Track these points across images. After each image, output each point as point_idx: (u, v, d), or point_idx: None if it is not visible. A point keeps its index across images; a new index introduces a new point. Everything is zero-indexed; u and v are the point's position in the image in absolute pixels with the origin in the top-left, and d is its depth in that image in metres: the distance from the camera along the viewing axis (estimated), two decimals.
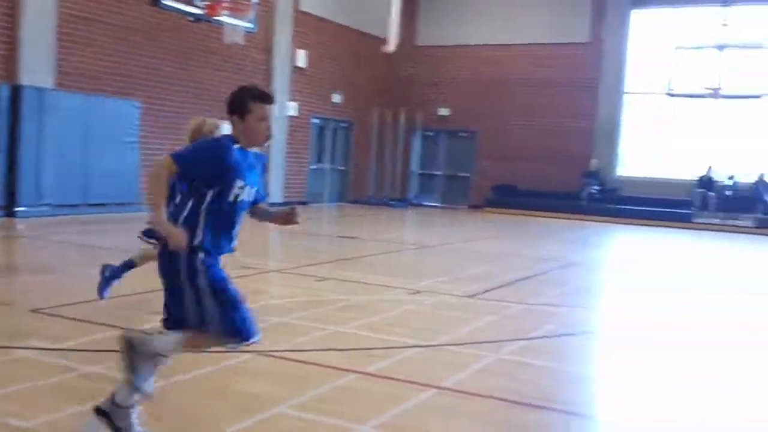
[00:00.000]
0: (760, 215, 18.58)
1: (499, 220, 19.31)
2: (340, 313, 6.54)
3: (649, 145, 21.93)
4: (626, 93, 21.72)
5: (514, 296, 8.07)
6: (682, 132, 21.38)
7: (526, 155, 21.69)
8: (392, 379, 4.84)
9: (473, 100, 22.69)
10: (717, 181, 19.69)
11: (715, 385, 5.22)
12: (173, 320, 3.46)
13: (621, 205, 20.24)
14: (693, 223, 18.90)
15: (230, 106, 3.50)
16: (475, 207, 22.30)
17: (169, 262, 3.38)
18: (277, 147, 19.62)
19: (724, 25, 19.51)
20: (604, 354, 6.32)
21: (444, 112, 23.46)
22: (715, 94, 19.14)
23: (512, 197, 21.64)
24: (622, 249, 15.99)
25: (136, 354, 3.32)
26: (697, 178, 19.86)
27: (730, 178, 19.85)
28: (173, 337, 3.44)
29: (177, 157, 3.33)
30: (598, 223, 19.00)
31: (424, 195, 23.76)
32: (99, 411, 3.38)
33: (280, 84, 19.66)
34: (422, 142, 24.17)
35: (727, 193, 19.35)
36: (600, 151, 21.43)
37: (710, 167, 19.91)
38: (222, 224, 3.42)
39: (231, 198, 3.40)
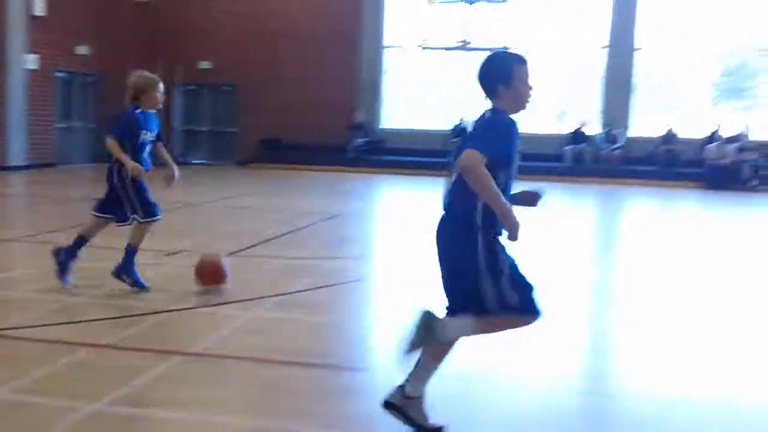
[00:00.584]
0: None
1: (265, 175, 19.04)
2: (80, 282, 5.92)
3: (410, 98, 22.75)
4: (386, 47, 22.26)
5: (274, 252, 7.90)
6: (440, 84, 22.44)
7: (292, 109, 21.51)
8: (135, 349, 4.44)
9: (236, 53, 21.95)
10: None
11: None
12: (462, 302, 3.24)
13: (386, 157, 20.89)
14: (450, 171, 19.98)
15: (491, 77, 3.26)
16: (242, 163, 21.80)
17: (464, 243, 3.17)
18: (14, 104, 17.57)
19: None
20: (365, 303, 6.38)
21: (205, 65, 22.46)
22: (464, 46, 20.26)
23: (279, 152, 21.44)
24: (388, 199, 16.52)
25: (434, 340, 3.18)
26: (452, 130, 20.96)
27: None
28: (466, 321, 3.23)
29: None
30: (365, 175, 19.46)
31: (189, 152, 22.72)
32: (389, 405, 3.30)
33: (15, 34, 17.53)
34: (184, 98, 23.01)
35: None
36: (364, 104, 21.86)
37: (462, 119, 21.23)
38: None
39: None
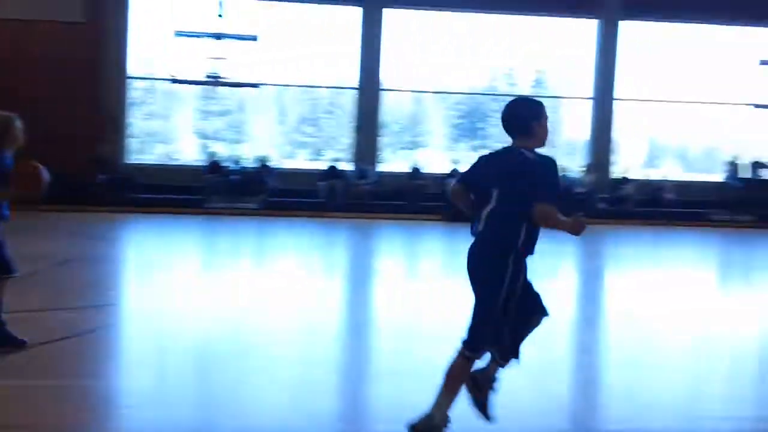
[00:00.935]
0: (266, 198, 19.86)
1: None
2: None
3: (160, 131, 21.70)
4: (131, 78, 21.07)
5: None
6: (192, 118, 21.70)
7: (27, 142, 19.35)
8: None
9: None
10: (225, 166, 20.45)
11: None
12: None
13: (133, 194, 19.58)
14: (204, 208, 19.27)
15: (526, 117, 3.81)
16: None
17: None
18: None
19: (220, 16, 20.23)
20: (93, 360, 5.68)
21: None
22: (215, 81, 19.81)
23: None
24: (129, 241, 15.39)
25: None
26: (206, 165, 20.33)
27: (236, 162, 20.83)
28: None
29: None
30: (107, 214, 18.06)
31: None
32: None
33: None
34: None
35: (233, 177, 20.27)
36: (108, 137, 20.38)
37: (214, 153, 20.70)
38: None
39: None
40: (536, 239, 3.79)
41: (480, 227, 3.80)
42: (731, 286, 11.96)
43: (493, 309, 3.73)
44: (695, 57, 22.41)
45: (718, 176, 22.56)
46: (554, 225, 3.63)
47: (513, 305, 3.77)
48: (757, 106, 20.67)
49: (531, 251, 3.81)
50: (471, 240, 3.89)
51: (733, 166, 22.13)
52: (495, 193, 3.71)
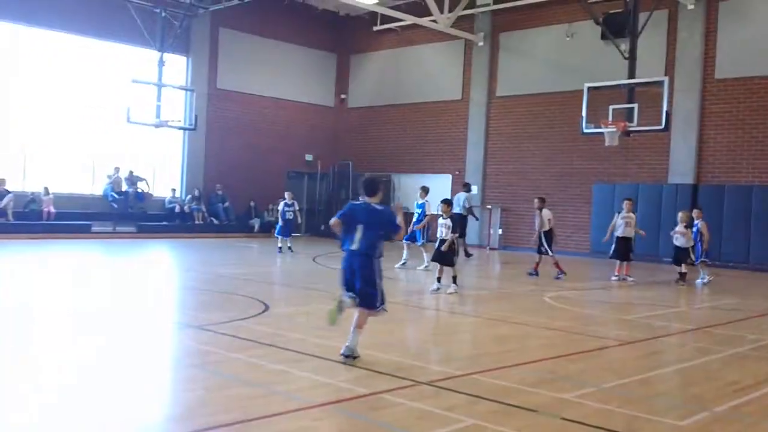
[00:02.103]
0: None
1: None
2: None
3: None
4: None
5: None
6: None
7: None
8: None
9: None
10: None
11: None
12: None
13: None
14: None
15: (378, 185, 6.86)
16: None
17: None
18: None
19: None
20: None
21: None
22: None
23: None
24: None
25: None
26: None
27: None
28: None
29: None
30: None
31: None
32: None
33: None
34: None
35: None
36: None
37: None
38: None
39: None
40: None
41: (355, 245, 6.46)
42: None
43: (379, 283, 6.53)
44: (70, 68, 22.19)
45: (99, 189, 22.85)
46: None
47: None
48: (130, 121, 21.60)
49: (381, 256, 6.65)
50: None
51: (113, 180, 22.69)
52: (361, 227, 6.48)
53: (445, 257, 11.57)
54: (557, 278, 14.22)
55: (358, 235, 6.43)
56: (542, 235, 14.77)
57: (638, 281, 14.58)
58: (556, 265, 14.47)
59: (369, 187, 6.69)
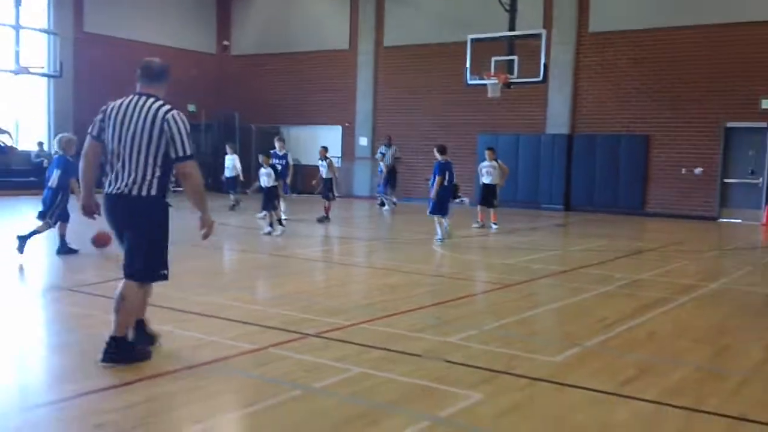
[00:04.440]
0: None
1: None
2: None
3: None
4: None
5: None
6: None
7: None
8: None
9: None
10: None
11: None
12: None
13: None
14: None
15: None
16: None
17: None
18: None
19: None
20: None
21: None
22: None
23: None
24: None
25: None
26: None
27: None
28: None
29: None
30: None
31: None
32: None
33: None
34: None
35: None
36: None
37: None
38: None
39: None
40: None
41: None
42: None
43: None
44: None
45: None
46: None
47: None
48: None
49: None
50: None
51: None
52: None
53: (268, 203, 13.09)
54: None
55: None
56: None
57: (502, 229, 14.82)
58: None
59: None
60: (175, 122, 4.67)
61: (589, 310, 7.07)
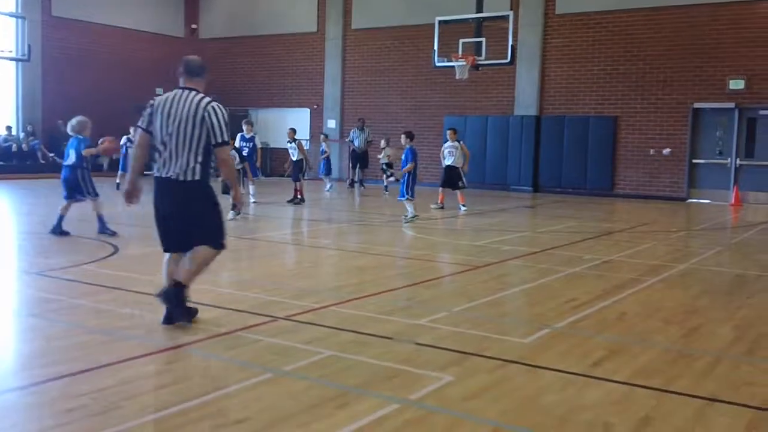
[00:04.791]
0: None
1: None
2: None
3: None
4: None
5: None
6: None
7: None
8: None
9: None
10: None
11: None
12: None
13: None
14: None
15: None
16: None
17: None
18: None
19: None
20: None
21: None
22: None
23: None
24: None
25: None
26: None
27: None
28: None
29: None
30: None
31: None
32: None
33: None
34: None
35: None
36: None
37: None
38: None
39: None
40: None
41: None
42: None
43: None
44: None
45: None
46: None
47: None
48: None
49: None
50: None
51: None
52: None
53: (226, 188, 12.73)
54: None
55: None
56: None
57: (471, 210, 14.83)
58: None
59: None
60: (215, 112, 5.16)
61: (559, 292, 7.10)
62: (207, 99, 5.22)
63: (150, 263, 7.96)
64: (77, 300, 6.10)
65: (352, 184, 20.82)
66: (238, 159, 13.37)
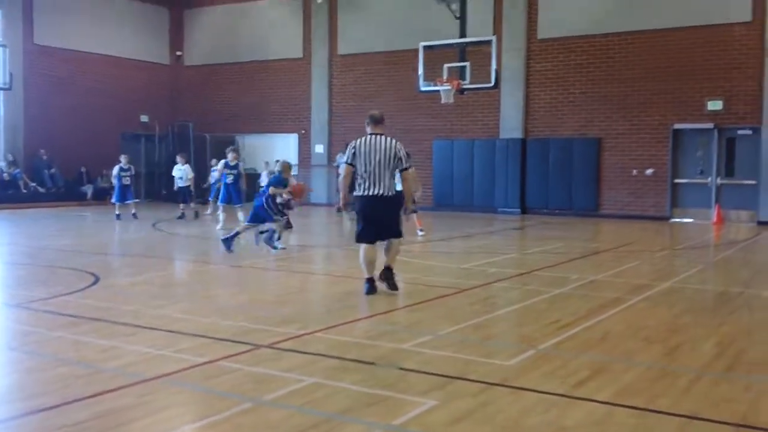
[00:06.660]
0: None
1: None
2: None
3: None
4: None
5: None
6: None
7: None
8: None
9: None
10: None
11: None
12: None
13: None
14: None
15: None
16: None
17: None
18: None
19: None
20: None
21: None
22: None
23: None
24: None
25: None
26: None
27: None
28: None
29: None
30: None
31: None
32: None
33: None
34: None
35: None
36: None
37: None
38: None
39: None
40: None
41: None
42: None
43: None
44: None
45: None
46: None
47: None
48: None
49: None
50: None
51: None
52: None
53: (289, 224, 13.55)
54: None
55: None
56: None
57: (455, 234, 14.95)
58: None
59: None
60: (401, 148, 7.82)
61: (545, 313, 7.09)
62: (395, 140, 7.82)
63: (131, 294, 7.91)
64: (56, 332, 6.01)
65: (339, 210, 20.77)
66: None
